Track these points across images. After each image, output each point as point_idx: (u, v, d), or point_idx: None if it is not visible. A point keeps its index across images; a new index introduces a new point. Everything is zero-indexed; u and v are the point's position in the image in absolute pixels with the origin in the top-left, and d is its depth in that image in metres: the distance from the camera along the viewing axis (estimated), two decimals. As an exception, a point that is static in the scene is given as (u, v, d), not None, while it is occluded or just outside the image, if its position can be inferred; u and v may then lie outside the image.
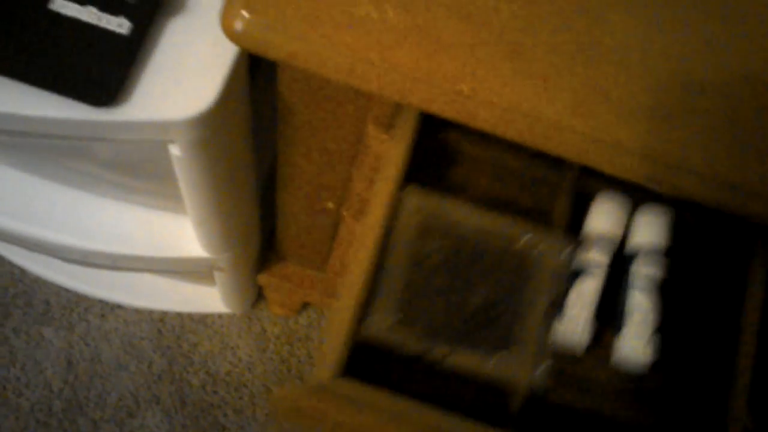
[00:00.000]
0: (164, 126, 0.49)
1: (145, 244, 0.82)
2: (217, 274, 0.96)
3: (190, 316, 1.20)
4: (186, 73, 0.49)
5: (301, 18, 0.41)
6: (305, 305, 1.21)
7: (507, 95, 0.41)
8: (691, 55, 0.43)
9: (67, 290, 1.17)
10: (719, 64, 0.43)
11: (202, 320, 1.20)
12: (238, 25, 0.41)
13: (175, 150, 0.54)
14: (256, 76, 0.59)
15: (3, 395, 1.12)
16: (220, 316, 1.20)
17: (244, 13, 0.41)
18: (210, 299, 1.15)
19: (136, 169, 0.65)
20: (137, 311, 1.18)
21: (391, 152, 0.51)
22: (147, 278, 1.13)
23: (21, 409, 1.12)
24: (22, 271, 1.17)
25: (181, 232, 0.81)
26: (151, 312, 1.19)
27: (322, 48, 0.41)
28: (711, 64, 0.43)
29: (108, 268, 0.93)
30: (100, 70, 0.47)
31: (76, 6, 0.48)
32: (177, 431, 1.14)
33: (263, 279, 1.02)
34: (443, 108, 0.41)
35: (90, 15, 0.48)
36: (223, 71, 0.49)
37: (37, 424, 1.11)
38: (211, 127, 0.51)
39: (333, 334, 0.51)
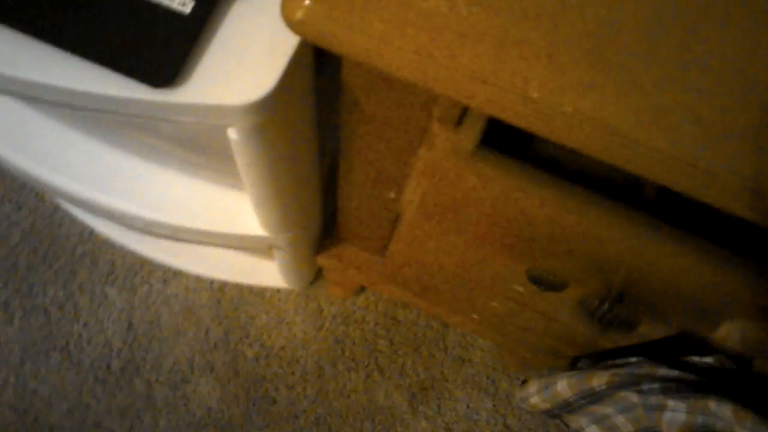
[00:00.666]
0: (221, 110, 0.47)
1: (205, 218, 0.81)
2: (276, 252, 0.96)
3: (250, 288, 1.20)
4: (247, 56, 0.47)
5: (364, 9, 0.38)
6: (363, 287, 1.20)
7: (580, 104, 0.37)
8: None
9: (132, 253, 1.19)
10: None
11: (261, 293, 1.20)
12: (299, 14, 0.39)
13: (232, 134, 0.52)
14: (322, 61, 0.57)
15: (66, 349, 1.16)
16: (278, 290, 1.21)
17: (306, 1, 0.39)
18: (270, 273, 1.15)
19: (197, 146, 0.64)
20: (198, 279, 1.20)
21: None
22: (210, 248, 1.14)
23: (81, 364, 1.15)
24: (91, 231, 1.20)
25: (241, 209, 0.81)
26: (212, 281, 1.20)
27: (384, 42, 0.38)
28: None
29: (169, 238, 0.94)
30: (160, 50, 0.46)
31: (140, -18, 0.47)
32: (228, 400, 1.15)
33: (322, 260, 1.01)
34: (509, 113, 0.38)
35: (154, -8, 0.47)
36: (285, 56, 0.47)
37: (95, 381, 1.14)
38: (269, 113, 0.50)
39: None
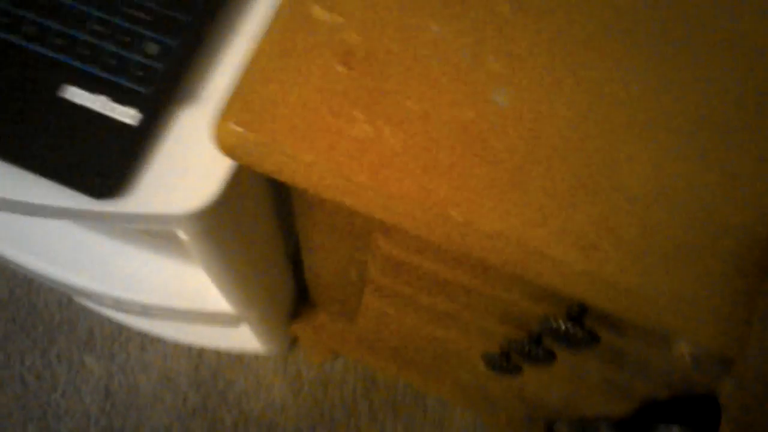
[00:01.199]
0: (165, 219, 0.48)
1: (171, 295, 0.82)
2: (248, 324, 0.96)
3: (228, 354, 1.20)
4: (191, 165, 0.48)
5: (293, 136, 0.39)
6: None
7: (500, 226, 0.38)
8: (714, 190, 0.39)
9: (110, 320, 1.19)
10: (744, 202, 0.39)
11: (239, 358, 1.20)
12: (229, 141, 0.40)
13: (182, 235, 0.53)
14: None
15: (44, 419, 1.15)
16: (256, 355, 1.21)
17: (235, 128, 0.40)
18: (247, 338, 1.15)
19: (155, 235, 0.65)
20: (176, 345, 1.20)
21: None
22: (187, 314, 1.14)
23: (59, 434, 1.14)
24: (69, 299, 1.20)
25: (207, 285, 0.81)
26: (190, 347, 1.20)
27: (313, 168, 0.39)
28: (735, 201, 0.39)
29: (137, 313, 0.94)
30: (104, 161, 0.47)
31: (86, 95, 0.48)
32: (206, 468, 1.14)
33: (296, 328, 1.01)
34: (431, 233, 0.39)
35: (100, 105, 0.48)
36: (228, 164, 0.48)
37: (73, 451, 1.14)
38: (217, 218, 0.50)
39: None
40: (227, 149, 0.40)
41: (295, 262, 0.91)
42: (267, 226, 0.65)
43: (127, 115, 0.48)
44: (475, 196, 0.39)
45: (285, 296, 0.92)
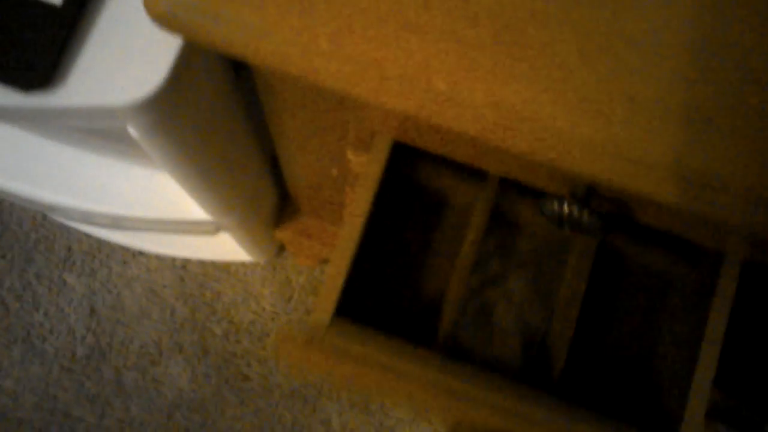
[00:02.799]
0: (106, 112, 0.42)
1: (142, 204, 0.76)
2: (228, 231, 0.91)
3: (213, 264, 1.16)
4: (133, 46, 0.42)
5: (237, -4, 0.33)
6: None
7: (495, 94, 0.32)
8: (745, 35, 0.33)
9: (88, 236, 1.14)
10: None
11: (225, 268, 1.16)
12: (159, 6, 0.33)
13: (132, 130, 0.47)
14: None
15: (28, 340, 1.12)
16: (243, 264, 1.16)
17: (169, -10, 0.33)
18: (232, 247, 1.10)
19: (109, 135, 0.58)
20: (159, 258, 1.15)
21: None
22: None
23: (45, 354, 1.11)
24: (44, 216, 1.15)
25: (180, 193, 0.76)
26: (173, 259, 1.15)
27: (266, 37, 0.33)
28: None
29: (109, 228, 0.89)
30: (28, 47, 0.40)
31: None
32: (199, 380, 1.12)
33: (280, 234, 0.96)
34: (414, 108, 0.33)
35: (16, -20, 0.41)
36: (175, 45, 0.42)
37: (61, 370, 1.11)
38: (168, 108, 0.44)
39: (330, 280, 0.47)
40: (158, 17, 0.33)
41: (276, 165, 0.85)
42: (234, 119, 0.59)
43: (51, -9, 0.41)
44: (460, 62, 0.33)
45: (266, 201, 0.87)
